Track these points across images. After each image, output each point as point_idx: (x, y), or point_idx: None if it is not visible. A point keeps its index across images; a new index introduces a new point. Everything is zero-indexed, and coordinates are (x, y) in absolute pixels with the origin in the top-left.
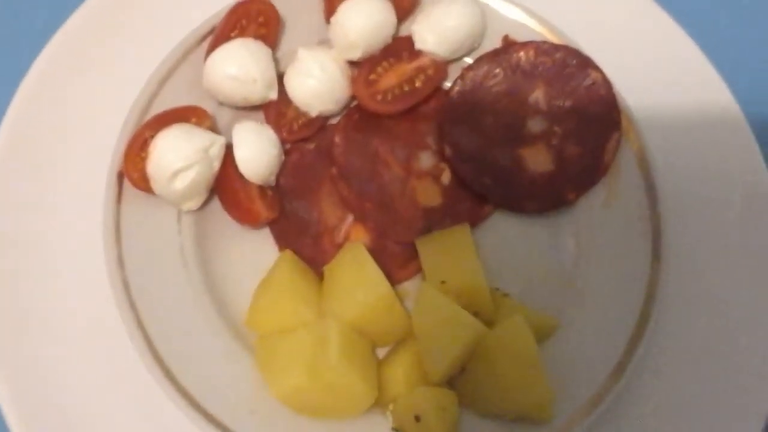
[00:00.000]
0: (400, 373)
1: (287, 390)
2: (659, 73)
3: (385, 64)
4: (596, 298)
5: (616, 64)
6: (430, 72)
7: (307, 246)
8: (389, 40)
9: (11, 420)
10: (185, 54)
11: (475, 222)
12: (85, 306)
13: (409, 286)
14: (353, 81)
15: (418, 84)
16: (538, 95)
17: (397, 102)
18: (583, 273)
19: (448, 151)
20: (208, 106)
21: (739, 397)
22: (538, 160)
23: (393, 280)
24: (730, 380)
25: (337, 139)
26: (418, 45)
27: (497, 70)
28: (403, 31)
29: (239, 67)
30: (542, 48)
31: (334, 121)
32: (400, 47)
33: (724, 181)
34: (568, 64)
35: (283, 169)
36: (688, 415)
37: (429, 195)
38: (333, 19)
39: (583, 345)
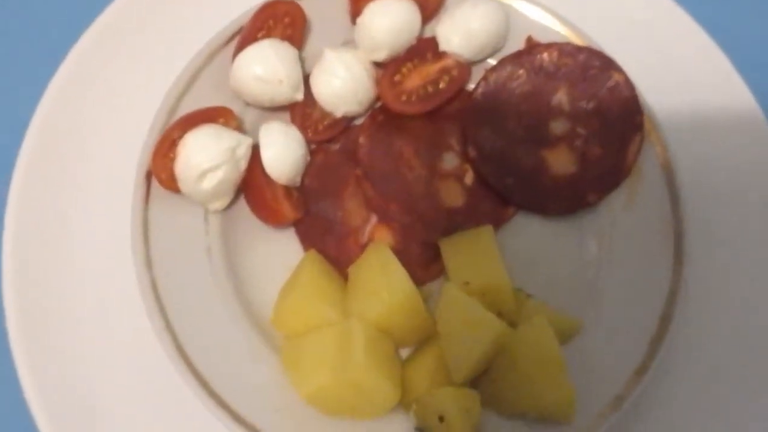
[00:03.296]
0: (423, 373)
1: (312, 389)
2: (682, 75)
3: (409, 65)
4: (618, 298)
5: (639, 66)
6: (454, 73)
7: (331, 246)
8: (414, 42)
9: (40, 421)
10: (212, 55)
11: (498, 223)
12: (112, 305)
13: (433, 287)
14: (378, 82)
15: (442, 85)
16: (561, 97)
17: (421, 103)
18: (606, 274)
19: (471, 152)
20: (235, 107)
21: (763, 398)
22: (560, 161)
23: (417, 281)
24: (753, 381)
25: (361, 139)
26: (443, 46)
27: (520, 72)
28: (428, 33)
29: (266, 67)
30: (565, 49)
31: (358, 121)
32: (424, 48)
33: (746, 184)
34: (591, 65)
35: (308, 170)
36: (711, 416)
37: (452, 196)
38: (359, 20)
39: (605, 346)
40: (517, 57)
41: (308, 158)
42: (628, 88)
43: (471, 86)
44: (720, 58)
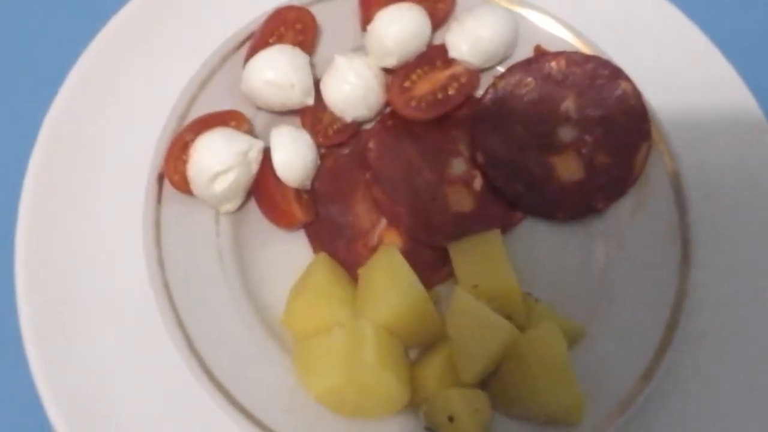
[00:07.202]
0: (432, 374)
1: (323, 390)
2: (689, 84)
3: (419, 71)
4: (625, 304)
5: (647, 75)
6: (463, 80)
7: (341, 249)
8: (423, 49)
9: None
10: (224, 59)
11: (505, 228)
12: (125, 306)
13: (441, 290)
14: (388, 88)
15: (451, 91)
16: (568, 104)
17: (430, 109)
18: (613, 279)
19: (479, 157)
20: (246, 111)
21: None
22: (568, 168)
23: (425, 284)
24: (760, 386)
25: (371, 144)
26: (452, 53)
27: (529, 79)
28: (437, 40)
29: (277, 72)
30: (573, 58)
31: (368, 126)
32: (434, 55)
33: (753, 191)
34: (599, 74)
35: (318, 174)
36: (716, 422)
37: (461, 200)
38: (369, 27)
39: (612, 350)
40: (525, 65)
41: (318, 162)
42: (635, 96)
43: (479, 93)
44: (727, 68)
